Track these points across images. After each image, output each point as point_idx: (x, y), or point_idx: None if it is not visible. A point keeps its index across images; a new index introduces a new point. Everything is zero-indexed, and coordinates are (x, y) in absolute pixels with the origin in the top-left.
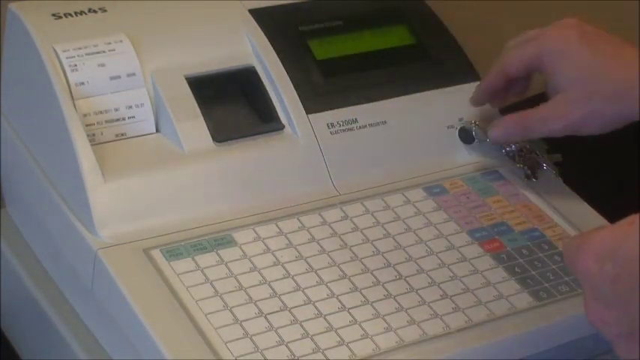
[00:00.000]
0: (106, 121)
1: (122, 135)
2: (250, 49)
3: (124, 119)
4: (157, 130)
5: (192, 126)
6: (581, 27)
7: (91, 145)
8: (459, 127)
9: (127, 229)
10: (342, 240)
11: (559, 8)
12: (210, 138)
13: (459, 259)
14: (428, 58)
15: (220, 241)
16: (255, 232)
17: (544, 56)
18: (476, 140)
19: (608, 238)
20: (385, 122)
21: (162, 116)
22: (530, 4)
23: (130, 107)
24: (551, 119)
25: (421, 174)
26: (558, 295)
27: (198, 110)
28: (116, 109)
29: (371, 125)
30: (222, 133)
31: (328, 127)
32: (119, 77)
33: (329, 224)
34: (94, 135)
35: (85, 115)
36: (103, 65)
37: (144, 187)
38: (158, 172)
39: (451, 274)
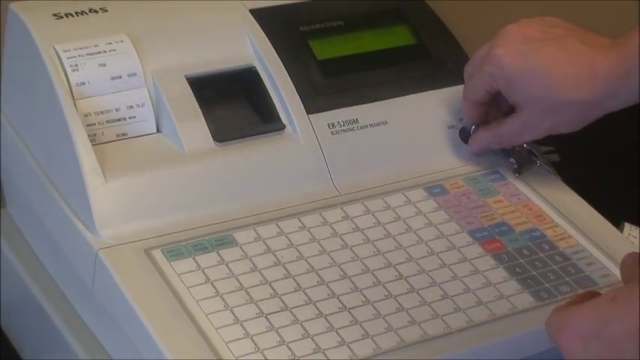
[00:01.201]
0: (107, 121)
1: (123, 135)
2: (251, 49)
3: (124, 119)
4: (158, 130)
5: (192, 126)
6: (524, 35)
7: (92, 145)
8: (459, 127)
9: (128, 229)
10: (343, 240)
11: (559, 8)
12: (211, 138)
13: (459, 260)
14: (429, 58)
15: (221, 241)
16: (256, 232)
17: (499, 81)
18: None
19: (593, 316)
20: (386, 122)
21: (163, 116)
22: (530, 4)
23: (131, 107)
24: (524, 133)
25: (422, 174)
26: (559, 296)
27: (199, 110)
28: (117, 109)
29: (372, 125)
30: (222, 133)
31: (329, 127)
32: (120, 77)
33: (330, 224)
34: (94, 135)
35: (85, 115)
36: (103, 65)
37: (145, 187)
38: (159, 172)
39: (452, 274)
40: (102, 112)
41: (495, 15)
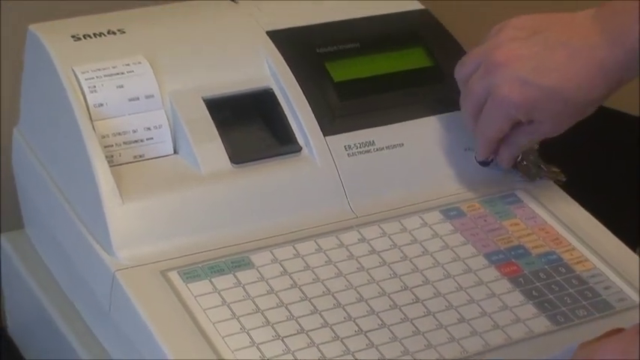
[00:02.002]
0: (125, 143)
1: (140, 156)
2: (268, 71)
3: (142, 141)
4: (175, 152)
5: (209, 148)
6: (515, 58)
7: (110, 166)
8: None
9: (145, 251)
10: (359, 262)
11: (559, 8)
12: (228, 160)
13: (475, 283)
14: (445, 81)
15: (237, 263)
16: (273, 254)
17: (517, 115)
18: (493, 163)
19: (619, 347)
20: (402, 144)
21: (180, 138)
22: (529, 4)
23: (149, 129)
24: (544, 136)
25: (438, 196)
26: (576, 320)
27: (215, 132)
28: (134, 131)
29: (388, 147)
30: (239, 155)
31: (345, 149)
32: (137, 99)
33: (346, 247)
34: (112, 156)
35: (103, 137)
36: (121, 87)
37: (162, 208)
38: (176, 194)
39: (468, 298)
40: (119, 134)
41: (491, 15)
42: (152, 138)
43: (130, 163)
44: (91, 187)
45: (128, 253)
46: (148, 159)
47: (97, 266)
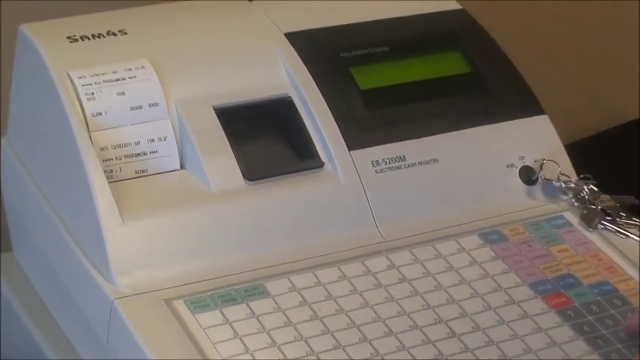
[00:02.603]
0: (125, 156)
1: (143, 172)
2: (286, 76)
3: (145, 154)
4: (182, 167)
5: (220, 162)
6: None
7: (109, 182)
8: (519, 167)
9: (147, 277)
10: (388, 292)
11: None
12: (241, 176)
13: (520, 316)
14: (485, 89)
15: (251, 291)
16: (291, 281)
17: None
18: (539, 181)
19: None
20: (437, 160)
21: (188, 151)
22: (569, 4)
23: (152, 141)
24: None
25: (477, 218)
26: (632, 358)
27: (227, 145)
28: (136, 143)
29: (420, 163)
30: (254, 171)
31: (373, 164)
32: (140, 107)
33: (373, 274)
34: (111, 171)
35: (102, 149)
36: (122, 94)
37: (166, 230)
38: (182, 214)
39: (511, 333)
40: (120, 146)
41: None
42: (156, 151)
43: (132, 178)
44: (87, 205)
45: (129, 280)
46: (152, 174)
47: (94, 294)
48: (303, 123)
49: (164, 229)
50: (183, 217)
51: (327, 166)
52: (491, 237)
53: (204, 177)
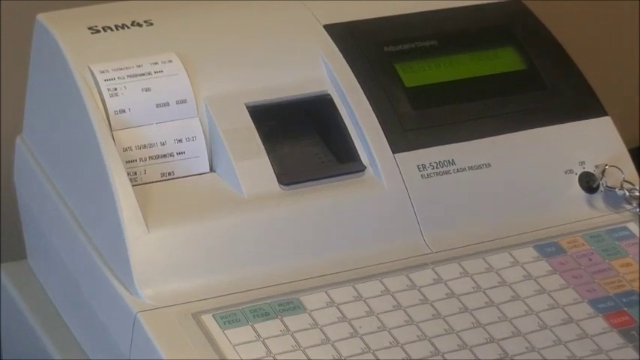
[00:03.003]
0: (151, 158)
1: (169, 174)
2: (325, 72)
3: (171, 155)
4: (212, 170)
5: (253, 165)
6: None
7: (132, 185)
8: (579, 173)
9: (174, 289)
10: (435, 308)
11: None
12: (276, 180)
13: (578, 336)
14: (542, 88)
15: (286, 306)
16: (328, 295)
17: None
18: (601, 189)
19: None
20: (489, 165)
21: (218, 153)
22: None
23: (180, 141)
24: None
25: (532, 229)
26: None
27: (261, 146)
28: (163, 143)
29: (471, 168)
30: (289, 175)
31: (419, 169)
32: (167, 104)
33: (418, 288)
34: (135, 174)
35: (125, 150)
36: (148, 90)
37: (194, 238)
38: (212, 221)
39: (569, 354)
40: (145, 147)
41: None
42: (184, 152)
43: (157, 182)
44: (109, 211)
45: (153, 291)
46: (179, 177)
47: (116, 306)
48: (344, 123)
49: (192, 237)
50: (212, 224)
51: (369, 171)
52: (548, 249)
53: (235, 181)
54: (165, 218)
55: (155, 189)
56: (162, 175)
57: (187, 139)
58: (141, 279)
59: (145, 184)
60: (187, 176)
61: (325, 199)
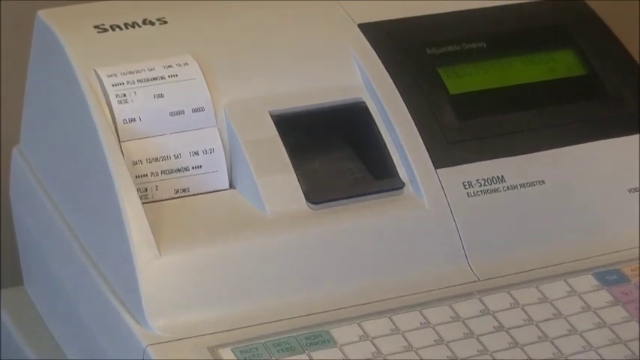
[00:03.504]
0: (163, 172)
1: (184, 191)
2: (359, 77)
3: (187, 170)
4: (231, 186)
5: (279, 181)
6: None
7: (143, 203)
8: None
9: (188, 320)
10: (481, 343)
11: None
12: (304, 198)
13: None
14: (603, 95)
15: (313, 339)
16: (362, 328)
17: None
18: None
19: None
20: (542, 182)
21: (239, 167)
22: None
23: (196, 154)
24: None
25: (591, 254)
26: None
27: (287, 160)
28: (177, 156)
29: (523, 186)
30: (319, 193)
31: (465, 186)
32: (182, 113)
33: (463, 320)
34: (146, 190)
35: (134, 163)
36: (160, 96)
37: (212, 263)
38: (231, 244)
39: None
40: (157, 160)
41: None
42: (200, 166)
43: (171, 199)
44: (116, 231)
45: (165, 323)
46: (195, 194)
47: (123, 338)
48: (380, 134)
49: (209, 262)
50: (231, 247)
51: (409, 188)
52: (610, 277)
53: (258, 199)
54: (179, 241)
55: (168, 207)
56: (176, 191)
57: (204, 152)
58: (151, 308)
59: (156, 201)
60: (204, 193)
61: (359, 220)
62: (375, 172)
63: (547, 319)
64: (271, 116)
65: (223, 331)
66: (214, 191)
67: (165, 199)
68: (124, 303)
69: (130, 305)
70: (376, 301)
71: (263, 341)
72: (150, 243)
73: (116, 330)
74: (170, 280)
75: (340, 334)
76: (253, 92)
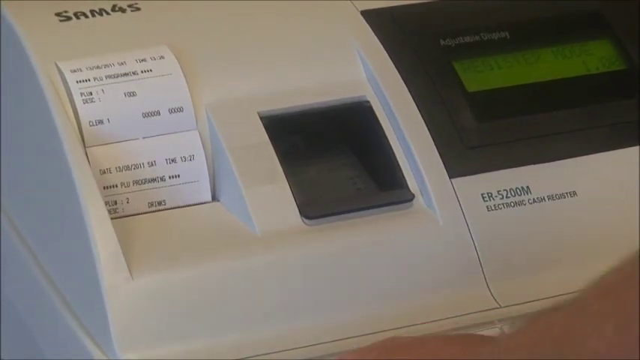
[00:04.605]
0: (135, 182)
1: (160, 204)
2: (363, 72)
3: (162, 179)
4: (214, 198)
5: (269, 193)
6: None
7: (112, 218)
8: None
9: (164, 353)
10: None
11: None
12: (298, 212)
13: None
14: None
15: None
16: None
17: None
18: None
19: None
20: (574, 194)
21: (224, 176)
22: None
23: (173, 161)
24: None
25: None
26: None
27: (279, 168)
28: (151, 164)
29: (552, 198)
30: (316, 206)
31: (484, 199)
32: (157, 114)
33: None
34: (115, 203)
35: (102, 173)
36: (132, 95)
37: (191, 288)
38: (214, 266)
39: None
40: (128, 168)
41: None
42: (179, 175)
43: (144, 214)
44: (81, 251)
45: (136, 356)
46: (172, 208)
47: None
48: (387, 138)
49: (188, 286)
50: (215, 270)
51: (419, 200)
52: None
53: (245, 213)
54: (154, 261)
55: (141, 223)
56: (151, 204)
57: (183, 159)
58: (121, 339)
59: (127, 216)
60: (183, 207)
61: (361, 238)
62: (380, 182)
63: None
64: (261, 118)
65: None
66: (195, 204)
67: (137, 214)
68: (90, 333)
69: (97, 336)
70: (382, 331)
71: None
72: (120, 264)
73: None
74: (143, 308)
75: None
76: (240, 90)
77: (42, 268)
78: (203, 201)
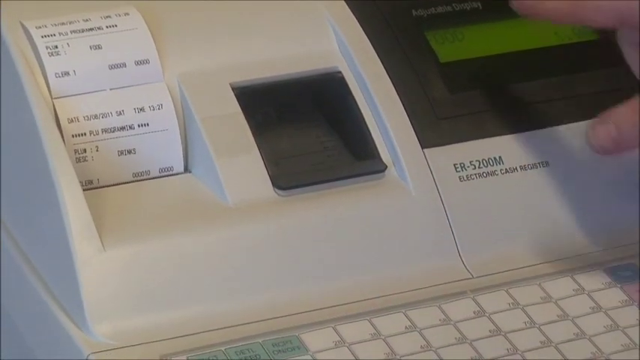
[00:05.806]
0: (104, 131)
1: (130, 152)
2: (335, 43)
3: (131, 127)
4: (186, 170)
5: (242, 164)
6: None
7: (84, 190)
8: None
9: (137, 325)
10: (475, 349)
11: None
12: (270, 183)
13: None
14: (616, 64)
15: (282, 346)
16: (337, 332)
17: None
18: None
19: None
20: (547, 164)
21: (196, 147)
22: None
23: (142, 110)
24: None
25: (602, 247)
26: None
27: (251, 139)
28: (119, 113)
29: (524, 168)
30: (288, 177)
31: (456, 169)
32: (124, 65)
33: (454, 323)
34: (85, 152)
35: (70, 121)
36: (98, 47)
37: (163, 259)
38: (186, 237)
39: None
40: (96, 117)
41: None
42: (147, 124)
43: (115, 185)
44: (52, 222)
45: (110, 328)
46: (145, 179)
47: (62, 347)
48: (359, 109)
49: (160, 257)
50: (187, 241)
51: (392, 171)
52: (623, 273)
53: (218, 184)
54: (126, 232)
55: (113, 194)
56: (121, 152)
57: (152, 108)
58: (94, 311)
59: (100, 187)
60: (155, 178)
61: (334, 209)
62: (353, 153)
63: (551, 322)
64: (233, 89)
65: (177, 337)
66: (167, 175)
67: (109, 185)
68: (63, 305)
69: (70, 308)
70: (354, 302)
71: (223, 348)
72: (92, 235)
73: (54, 337)
74: (115, 279)
75: (313, 339)
76: (212, 61)
77: (14, 240)
78: (173, 151)
